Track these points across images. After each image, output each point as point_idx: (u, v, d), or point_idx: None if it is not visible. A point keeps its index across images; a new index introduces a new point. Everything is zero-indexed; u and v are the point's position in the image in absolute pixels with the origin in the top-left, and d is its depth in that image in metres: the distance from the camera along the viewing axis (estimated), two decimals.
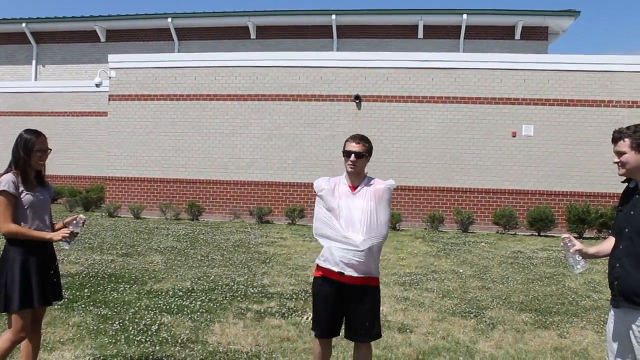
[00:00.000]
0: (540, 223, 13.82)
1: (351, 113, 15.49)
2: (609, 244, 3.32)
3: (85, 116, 20.06)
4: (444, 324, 6.03)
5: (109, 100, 16.73)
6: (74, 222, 3.80)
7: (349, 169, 3.77)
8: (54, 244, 3.95)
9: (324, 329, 3.80)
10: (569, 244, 3.33)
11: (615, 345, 3.18)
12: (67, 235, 3.72)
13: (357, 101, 15.42)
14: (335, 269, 3.64)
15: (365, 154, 3.76)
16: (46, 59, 24.10)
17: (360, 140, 3.79)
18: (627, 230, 3.11)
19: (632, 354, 3.07)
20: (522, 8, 21.06)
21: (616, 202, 3.31)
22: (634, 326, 3.04)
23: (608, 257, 3.27)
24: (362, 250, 3.60)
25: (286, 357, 4.90)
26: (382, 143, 15.21)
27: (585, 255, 3.34)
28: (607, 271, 3.32)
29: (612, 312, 3.26)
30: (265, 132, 15.85)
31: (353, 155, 3.73)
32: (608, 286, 3.30)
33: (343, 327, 3.83)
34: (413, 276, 8.47)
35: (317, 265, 3.83)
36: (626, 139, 3.11)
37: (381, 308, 5.88)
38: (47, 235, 3.77)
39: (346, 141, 3.82)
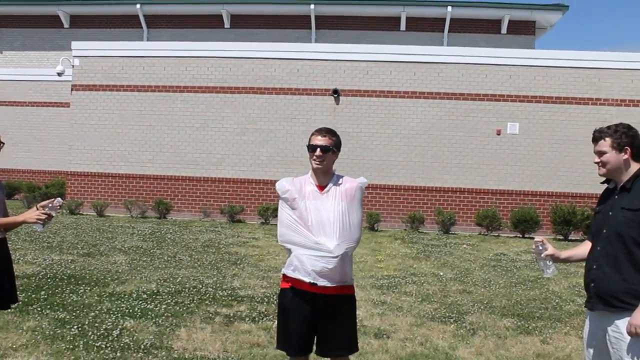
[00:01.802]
0: (525, 224, 13.96)
1: (329, 108, 15.49)
2: (583, 248, 3.39)
3: (46, 107, 19.77)
4: (423, 329, 6.05)
5: (72, 90, 16.48)
6: (50, 205, 3.69)
7: (315, 166, 3.56)
8: (9, 242, 3.87)
9: (299, 347, 3.60)
10: (540, 248, 3.38)
11: (591, 351, 3.22)
12: (43, 217, 3.60)
13: (336, 95, 15.41)
14: (307, 280, 3.46)
15: (332, 148, 3.57)
16: (4, 44, 23.63)
17: (326, 133, 3.61)
18: (604, 231, 3.15)
19: None
20: (509, 1, 21.23)
21: None
22: (609, 330, 3.07)
23: (584, 262, 3.31)
24: (336, 257, 3.44)
25: None
26: (361, 140, 15.25)
27: (557, 260, 3.40)
28: None
29: (588, 316, 3.30)
30: (238, 127, 15.76)
31: (319, 149, 3.53)
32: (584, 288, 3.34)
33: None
34: (391, 279, 8.50)
35: (284, 275, 3.66)
36: (607, 139, 3.17)
37: (357, 312, 5.90)
38: (19, 218, 3.71)
39: (311, 135, 3.63)
